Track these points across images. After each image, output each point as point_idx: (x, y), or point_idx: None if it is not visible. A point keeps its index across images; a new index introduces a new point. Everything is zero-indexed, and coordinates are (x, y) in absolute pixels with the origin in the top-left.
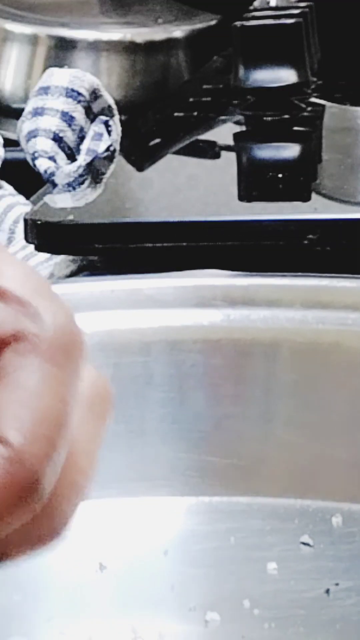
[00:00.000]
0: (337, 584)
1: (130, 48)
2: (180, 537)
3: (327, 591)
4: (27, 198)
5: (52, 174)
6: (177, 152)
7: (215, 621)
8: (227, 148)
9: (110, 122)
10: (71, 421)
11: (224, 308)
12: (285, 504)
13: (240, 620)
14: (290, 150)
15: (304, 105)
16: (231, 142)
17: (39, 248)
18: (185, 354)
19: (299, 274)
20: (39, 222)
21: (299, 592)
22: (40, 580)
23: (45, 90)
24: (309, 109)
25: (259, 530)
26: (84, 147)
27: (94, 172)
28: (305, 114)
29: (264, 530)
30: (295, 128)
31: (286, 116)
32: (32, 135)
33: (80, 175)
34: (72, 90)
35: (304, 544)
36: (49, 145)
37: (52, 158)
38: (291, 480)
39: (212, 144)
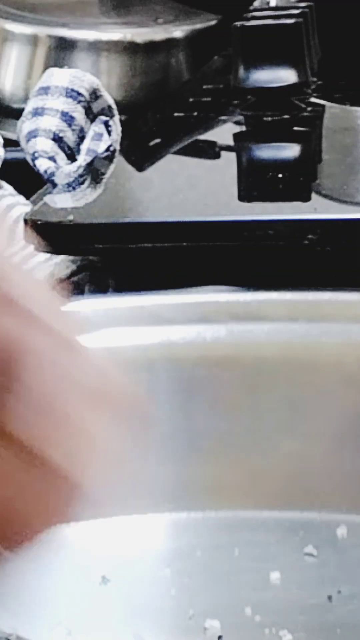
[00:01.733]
0: (339, 591)
1: (130, 48)
2: (183, 550)
3: (329, 598)
4: (27, 198)
5: (52, 174)
6: (177, 152)
7: (215, 628)
8: (227, 148)
9: (110, 122)
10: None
11: (227, 323)
12: (291, 516)
13: (241, 627)
14: (290, 151)
15: (304, 105)
16: (231, 142)
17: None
18: (189, 370)
19: (302, 287)
20: (39, 222)
21: (301, 599)
22: (47, 591)
23: (45, 90)
24: (309, 109)
25: (263, 542)
26: (84, 147)
27: (94, 172)
28: (305, 114)
29: (268, 542)
30: (295, 128)
31: (286, 116)
32: (32, 135)
33: (80, 176)
34: (72, 90)
35: (308, 554)
36: (49, 146)
37: (52, 158)
38: (296, 492)
39: (212, 144)
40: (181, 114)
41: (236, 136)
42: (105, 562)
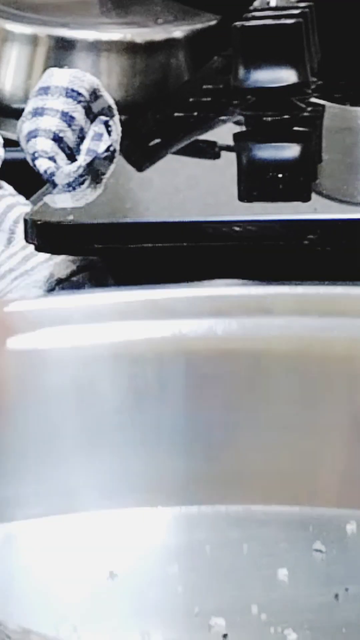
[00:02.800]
0: (347, 589)
1: (130, 48)
2: (192, 546)
3: (336, 596)
4: (27, 198)
5: (52, 174)
6: (177, 152)
7: (220, 626)
8: (227, 148)
9: (110, 122)
10: None
11: (239, 317)
12: (300, 511)
13: (246, 625)
14: (290, 151)
15: (304, 106)
16: (231, 142)
17: (39, 248)
18: (200, 364)
19: (315, 282)
20: (39, 222)
21: (308, 597)
22: (53, 586)
23: (45, 90)
24: (309, 109)
25: (272, 538)
26: (84, 147)
27: (94, 172)
28: (305, 114)
29: (277, 538)
30: (295, 128)
31: (286, 116)
32: (32, 135)
33: (80, 176)
34: (72, 90)
35: (317, 550)
36: (49, 146)
37: (52, 158)
38: (306, 488)
39: (212, 144)
40: (181, 114)
41: (236, 136)
42: (113, 556)
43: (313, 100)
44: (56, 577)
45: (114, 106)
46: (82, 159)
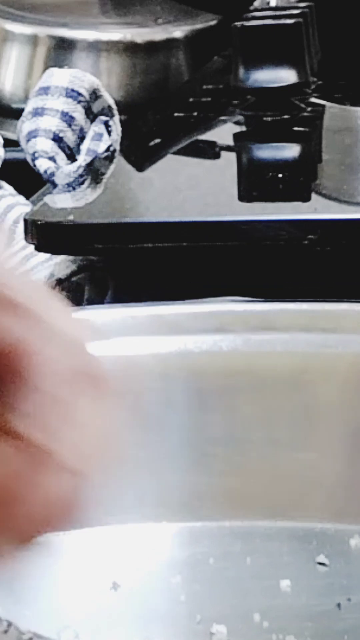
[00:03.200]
0: (349, 599)
1: (130, 48)
2: (196, 558)
3: (339, 605)
4: (27, 198)
5: (52, 174)
6: (177, 153)
7: (221, 633)
8: (227, 148)
9: (110, 122)
10: None
11: (244, 333)
12: (304, 526)
13: (248, 633)
14: (290, 151)
15: (304, 106)
16: (231, 142)
17: (39, 248)
18: (205, 380)
19: (318, 299)
20: (39, 222)
21: (310, 607)
22: (57, 594)
23: (45, 90)
24: (309, 109)
25: (276, 552)
26: (84, 147)
27: (94, 172)
28: (305, 114)
29: (281, 552)
30: (295, 128)
31: (286, 116)
32: (32, 135)
33: (80, 176)
34: (72, 90)
35: (320, 563)
36: (49, 146)
37: (52, 158)
38: (310, 502)
39: (212, 144)
40: (181, 114)
41: (236, 136)
42: (117, 568)
43: (313, 100)
44: (61, 587)
45: (114, 106)
46: (82, 159)
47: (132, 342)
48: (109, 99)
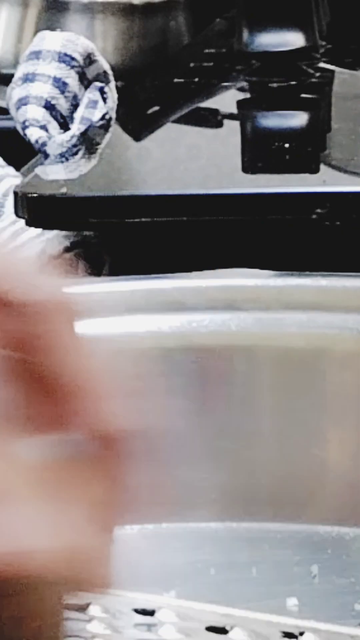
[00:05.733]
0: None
1: (127, 10)
2: (196, 567)
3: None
4: (17, 169)
5: (44, 144)
6: (177, 121)
7: None
8: (230, 116)
9: (106, 89)
10: None
11: (255, 311)
12: (321, 531)
13: None
14: (298, 119)
15: (312, 71)
16: (234, 110)
17: (29, 223)
18: (213, 362)
19: (339, 273)
20: (29, 196)
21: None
22: None
23: (36, 54)
24: (318, 74)
25: (285, 562)
26: (77, 115)
27: (88, 142)
28: (314, 80)
29: (291, 562)
30: (303, 95)
31: (293, 82)
32: (22, 102)
33: (74, 146)
34: (65, 54)
35: (329, 575)
36: (41, 114)
37: (43, 127)
38: (328, 504)
39: (214, 112)
40: (181, 80)
41: (240, 104)
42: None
43: (322, 65)
44: None
45: (109, 72)
46: (76, 128)
47: (130, 320)
48: (104, 64)
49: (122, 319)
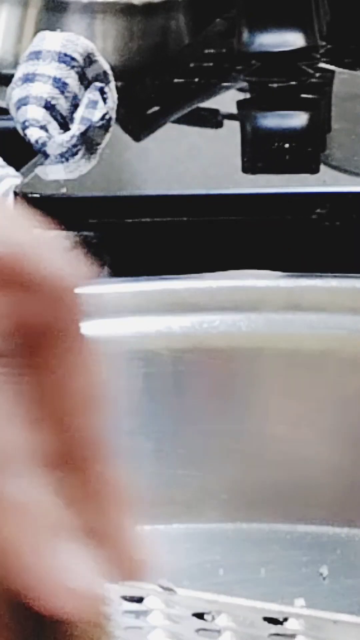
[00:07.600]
0: None
1: (127, 10)
2: (205, 567)
3: None
4: (17, 170)
5: (44, 144)
6: (177, 121)
7: None
8: (230, 117)
9: (106, 89)
10: None
11: (265, 313)
12: (330, 532)
13: None
14: (298, 119)
15: (312, 71)
16: (234, 110)
17: None
18: (222, 363)
19: (349, 275)
20: (29, 196)
21: None
22: None
23: (36, 55)
24: (318, 74)
25: (294, 563)
26: (77, 115)
27: (88, 142)
28: (314, 80)
29: (300, 562)
30: (303, 95)
31: (293, 83)
32: (22, 102)
33: (74, 146)
34: (65, 55)
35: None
36: (41, 114)
37: (43, 127)
38: (340, 506)
39: (214, 112)
40: (181, 80)
41: (240, 104)
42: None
43: (322, 65)
44: None
45: (109, 72)
46: (76, 128)
47: (141, 320)
48: (104, 64)
49: (132, 319)
